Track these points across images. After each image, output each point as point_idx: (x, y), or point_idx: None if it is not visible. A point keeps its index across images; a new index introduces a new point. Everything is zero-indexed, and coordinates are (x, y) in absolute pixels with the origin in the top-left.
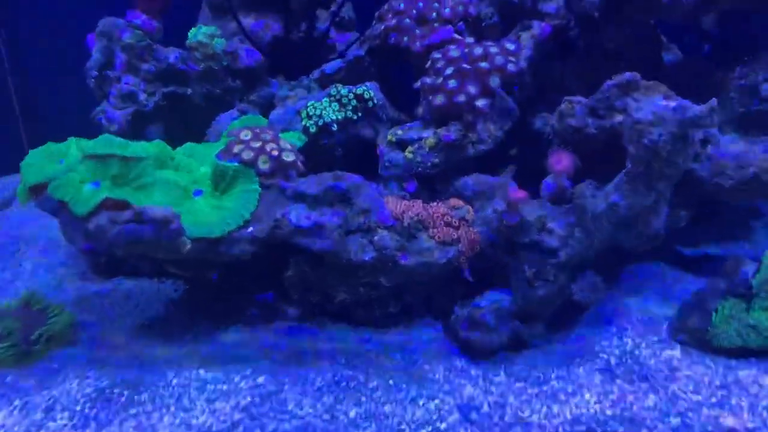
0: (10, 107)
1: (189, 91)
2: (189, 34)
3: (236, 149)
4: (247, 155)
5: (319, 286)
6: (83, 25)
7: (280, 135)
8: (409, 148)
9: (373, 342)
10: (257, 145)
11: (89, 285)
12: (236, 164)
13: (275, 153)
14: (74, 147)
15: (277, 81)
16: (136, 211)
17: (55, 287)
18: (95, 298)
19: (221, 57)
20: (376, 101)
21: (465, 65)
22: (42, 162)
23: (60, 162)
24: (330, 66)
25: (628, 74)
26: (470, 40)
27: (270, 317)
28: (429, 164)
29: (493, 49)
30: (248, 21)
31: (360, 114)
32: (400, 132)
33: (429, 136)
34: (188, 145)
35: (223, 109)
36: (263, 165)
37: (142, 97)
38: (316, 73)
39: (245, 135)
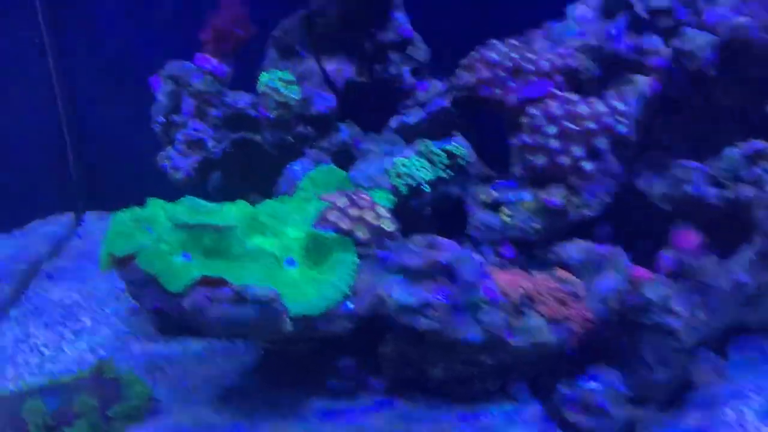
0: (61, 140)
1: (259, 137)
2: (260, 78)
3: (332, 217)
4: (345, 224)
5: (416, 363)
6: (143, 61)
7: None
8: (505, 210)
9: (470, 422)
10: (355, 213)
11: (156, 346)
12: (334, 234)
13: (374, 222)
14: (162, 214)
15: (346, 126)
16: (236, 290)
17: (119, 348)
18: (165, 363)
19: (295, 104)
20: (466, 159)
21: (569, 124)
22: (128, 230)
23: (147, 230)
24: (412, 116)
25: (757, 143)
26: (573, 96)
27: (354, 390)
28: (529, 229)
29: (600, 108)
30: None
31: (452, 173)
32: (494, 193)
33: (527, 199)
34: (268, 203)
35: (293, 155)
36: (361, 234)
37: (210, 143)
38: (394, 123)
39: (342, 202)
